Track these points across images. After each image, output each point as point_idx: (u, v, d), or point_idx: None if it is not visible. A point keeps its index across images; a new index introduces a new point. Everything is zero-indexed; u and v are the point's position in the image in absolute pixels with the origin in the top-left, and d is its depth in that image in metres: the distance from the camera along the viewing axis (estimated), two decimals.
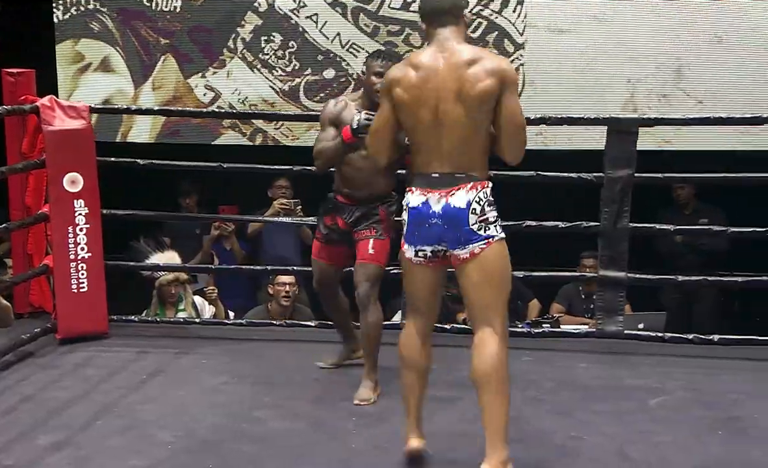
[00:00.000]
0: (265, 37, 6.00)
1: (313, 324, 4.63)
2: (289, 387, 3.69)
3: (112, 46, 6.10)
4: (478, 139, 2.67)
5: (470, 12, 5.73)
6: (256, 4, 5.96)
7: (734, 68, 5.56)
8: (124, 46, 6.09)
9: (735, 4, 5.56)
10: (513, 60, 5.81)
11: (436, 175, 2.68)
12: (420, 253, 2.74)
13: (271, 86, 6.06)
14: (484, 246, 2.65)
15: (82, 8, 6.06)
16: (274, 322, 4.72)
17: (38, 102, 4.14)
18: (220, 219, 5.89)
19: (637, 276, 4.28)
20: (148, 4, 6.02)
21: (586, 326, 4.76)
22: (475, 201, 2.65)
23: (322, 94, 6.02)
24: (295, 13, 5.96)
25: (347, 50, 5.96)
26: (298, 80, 6.03)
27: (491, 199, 2.69)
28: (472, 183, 2.66)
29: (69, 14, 6.08)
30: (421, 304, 2.81)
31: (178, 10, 6.01)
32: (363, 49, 5.92)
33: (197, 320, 4.79)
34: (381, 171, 3.35)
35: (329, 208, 3.70)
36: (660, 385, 3.68)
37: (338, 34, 5.94)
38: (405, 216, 2.76)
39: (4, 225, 4.11)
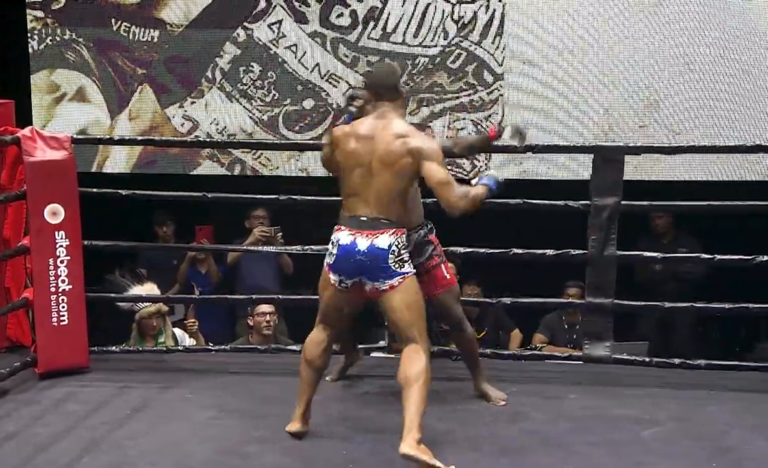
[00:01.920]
0: (244, 68, 5.98)
1: (297, 348, 4.55)
2: (279, 420, 3.62)
3: (88, 77, 6.04)
4: (399, 194, 3.23)
5: (450, 42, 5.82)
6: (234, 35, 5.94)
7: (709, 97, 5.66)
8: (100, 77, 6.03)
9: (707, 34, 5.67)
10: (492, 90, 5.86)
11: (364, 218, 3.21)
12: (341, 283, 3.26)
13: (249, 116, 6.03)
14: (401, 280, 3.20)
15: (58, 38, 5.99)
16: (259, 347, 4.63)
17: (19, 133, 4.06)
18: (201, 249, 5.83)
19: (624, 303, 4.29)
20: (124, 35, 5.97)
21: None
22: (395, 244, 3.19)
23: (301, 124, 6.01)
24: (274, 44, 5.95)
25: (326, 80, 5.96)
26: (277, 110, 6.01)
27: (405, 243, 3.26)
28: (393, 229, 3.22)
29: (44, 44, 6.01)
30: (332, 317, 3.37)
31: (155, 40, 5.97)
32: (342, 79, 5.94)
33: (180, 348, 4.69)
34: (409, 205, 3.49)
35: None
36: (650, 416, 3.67)
37: (317, 64, 5.94)
38: (332, 248, 3.24)
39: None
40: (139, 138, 5.71)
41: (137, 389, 4.00)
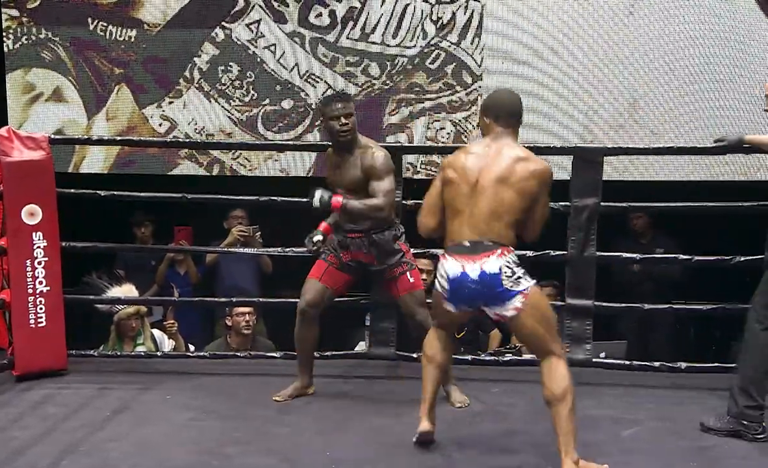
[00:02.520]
0: (222, 67, 5.96)
1: (277, 355, 4.56)
2: (259, 421, 3.62)
3: (65, 76, 5.99)
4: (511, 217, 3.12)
5: (429, 43, 5.85)
6: (213, 34, 5.92)
7: (688, 99, 5.72)
8: (77, 76, 5.98)
9: (687, 35, 5.73)
10: (471, 91, 5.88)
11: (467, 243, 3.11)
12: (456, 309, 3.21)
13: (228, 116, 6.01)
14: (524, 299, 3.07)
15: (33, 37, 5.94)
16: (238, 354, 4.63)
17: None
18: (180, 250, 5.80)
19: (604, 305, 4.32)
20: (101, 34, 5.93)
21: None
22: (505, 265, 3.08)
23: (280, 124, 6.00)
24: (252, 44, 5.93)
25: (305, 80, 5.96)
26: (255, 110, 6.00)
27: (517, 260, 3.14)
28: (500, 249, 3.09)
29: (20, 43, 5.95)
30: (447, 328, 3.37)
31: (132, 40, 5.93)
32: (321, 79, 5.93)
33: (158, 354, 4.68)
34: None
35: (346, 244, 3.83)
36: (631, 416, 3.70)
37: (296, 64, 5.93)
38: (441, 280, 3.17)
39: None
40: (118, 138, 5.67)
41: (116, 390, 3.99)
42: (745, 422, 3.39)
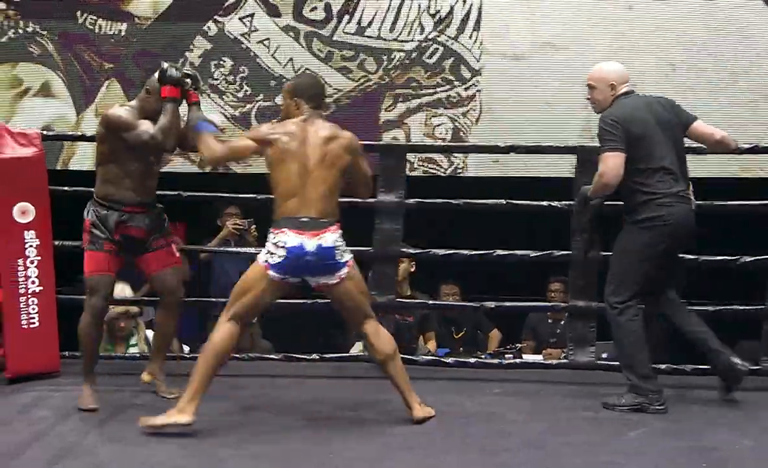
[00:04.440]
0: (215, 62, 5.95)
1: (277, 357, 4.56)
2: (255, 425, 3.62)
3: (53, 71, 5.97)
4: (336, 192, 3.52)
5: (426, 37, 5.84)
6: (205, 28, 5.91)
7: (687, 95, 5.72)
8: (66, 71, 5.96)
9: (688, 32, 5.74)
10: (469, 86, 5.88)
11: (306, 219, 3.42)
12: (285, 280, 3.47)
13: (221, 112, 6.00)
14: (347, 269, 3.49)
15: (21, 31, 5.91)
16: (236, 355, 4.61)
17: None
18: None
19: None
20: (91, 28, 5.91)
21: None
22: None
23: (274, 120, 5.96)
24: (246, 38, 5.92)
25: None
26: (249, 106, 5.99)
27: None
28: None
29: (6, 37, 5.92)
30: (257, 312, 3.69)
31: (123, 34, 5.92)
32: (316, 74, 5.91)
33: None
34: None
35: (124, 219, 3.79)
36: (637, 417, 3.71)
37: (291, 59, 5.92)
38: (275, 250, 3.41)
39: None
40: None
41: (110, 393, 3.97)
42: (641, 395, 3.71)
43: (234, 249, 5.40)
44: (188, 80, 3.73)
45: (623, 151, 3.67)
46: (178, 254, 3.98)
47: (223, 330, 3.49)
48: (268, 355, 4.69)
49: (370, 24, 5.84)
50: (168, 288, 3.90)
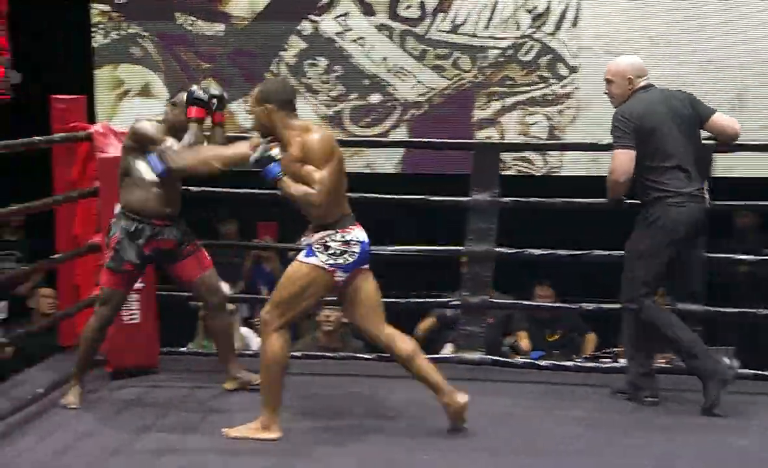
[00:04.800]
0: (310, 61, 6.00)
1: (369, 356, 4.56)
2: (350, 422, 3.63)
3: (153, 72, 6.13)
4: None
5: (522, 34, 5.77)
6: (300, 28, 5.97)
7: None
8: (166, 72, 6.11)
9: None
10: (566, 84, 5.79)
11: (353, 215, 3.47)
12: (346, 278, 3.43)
13: (314, 111, 6.06)
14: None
15: (123, 32, 6.09)
16: (327, 354, 4.65)
17: (91, 129, 4.13)
18: (262, 247, 5.88)
19: (720, 310, 4.19)
20: (189, 28, 6.04)
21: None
22: None
23: (367, 119, 6.02)
24: (340, 37, 5.96)
25: (394, 75, 5.95)
26: (342, 105, 6.03)
27: None
28: None
29: (109, 39, 6.10)
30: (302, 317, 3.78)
31: (220, 34, 6.03)
32: (410, 73, 5.92)
33: (249, 352, 4.73)
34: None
35: (155, 233, 3.83)
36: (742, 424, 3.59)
37: (385, 58, 5.93)
38: (348, 248, 3.37)
39: (58, 256, 4.09)
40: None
41: (206, 389, 4.04)
42: (636, 386, 3.83)
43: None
44: (214, 101, 3.80)
45: (633, 147, 3.62)
46: (208, 257, 4.01)
47: (277, 340, 3.40)
48: (360, 354, 4.70)
49: (464, 22, 5.81)
50: (212, 289, 3.96)
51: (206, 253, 3.99)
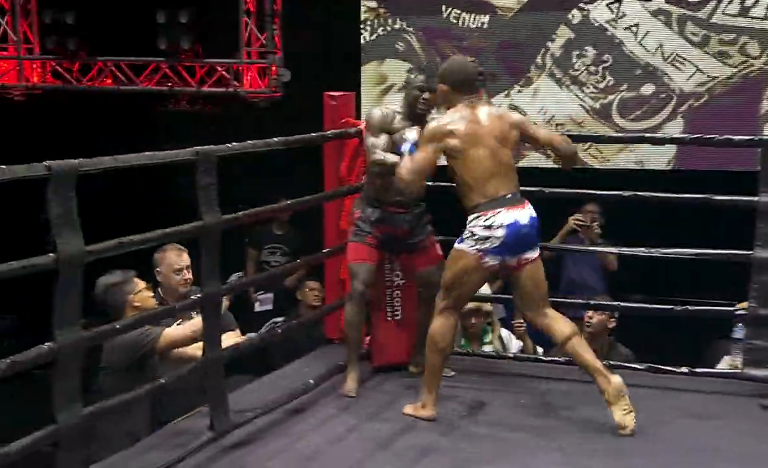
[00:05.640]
0: (577, 52, 5.90)
1: (640, 366, 4.40)
2: (609, 434, 3.52)
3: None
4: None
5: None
6: (569, 16, 5.88)
7: None
8: None
9: None
10: None
11: (509, 195, 3.53)
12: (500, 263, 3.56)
13: (580, 104, 5.95)
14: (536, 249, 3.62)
15: (389, 28, 6.29)
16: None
17: (361, 125, 4.29)
18: None
19: None
20: (454, 22, 6.13)
21: None
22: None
23: (638, 112, 5.82)
24: (611, 25, 5.80)
25: (670, 63, 5.70)
26: (611, 97, 5.87)
27: None
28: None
29: (375, 35, 6.34)
30: (464, 303, 3.83)
31: (485, 26, 6.07)
32: (688, 61, 5.65)
33: (510, 355, 4.74)
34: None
35: (385, 217, 4.01)
36: None
37: (660, 45, 5.70)
38: (490, 233, 3.48)
39: (328, 250, 4.31)
40: None
41: (468, 389, 4.09)
42: None
43: (575, 247, 5.31)
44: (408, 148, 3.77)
45: None
46: (440, 251, 4.08)
47: (441, 323, 3.63)
48: (629, 364, 4.54)
49: (756, 3, 5.43)
50: (432, 284, 3.99)
51: (439, 248, 4.11)
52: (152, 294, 4.06)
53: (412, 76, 4.02)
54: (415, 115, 3.94)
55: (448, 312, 3.64)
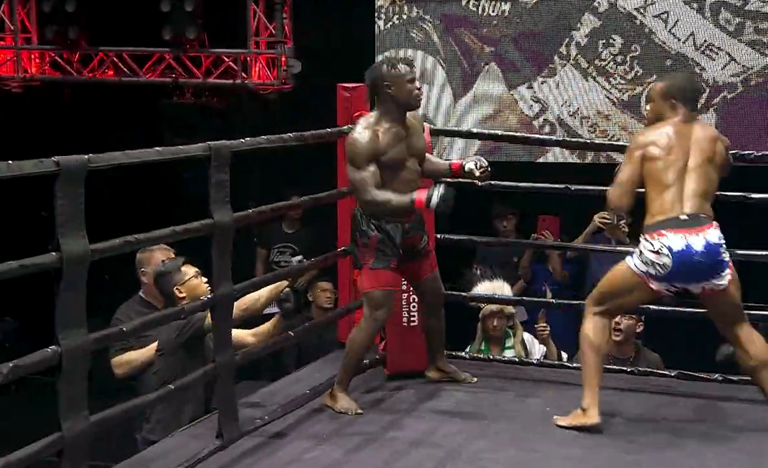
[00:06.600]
0: (604, 41, 5.86)
1: (671, 373, 4.37)
2: (649, 445, 3.51)
3: (433, 57, 6.25)
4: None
5: None
6: (595, 4, 5.85)
7: None
8: (446, 57, 6.21)
9: None
10: None
11: (685, 217, 3.44)
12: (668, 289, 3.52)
13: (606, 96, 5.92)
14: (730, 270, 3.49)
15: (405, 16, 6.25)
16: (624, 368, 4.50)
17: None
18: (540, 246, 5.84)
19: None
20: (473, 9, 6.10)
21: None
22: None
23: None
24: (640, 12, 5.76)
25: (702, 52, 5.67)
26: (639, 89, 5.83)
27: None
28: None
29: (390, 23, 6.30)
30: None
31: (506, 14, 6.03)
32: (721, 50, 5.61)
33: (534, 361, 4.72)
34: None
35: (407, 229, 3.90)
36: None
37: (692, 33, 5.67)
38: (656, 258, 3.42)
39: (342, 250, 4.29)
40: (500, 133, 5.58)
41: (488, 394, 4.10)
42: None
43: (602, 247, 5.27)
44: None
45: None
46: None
47: (594, 323, 3.61)
48: (658, 370, 4.52)
49: None
50: (436, 291, 4.07)
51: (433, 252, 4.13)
52: (204, 279, 3.98)
53: (397, 71, 3.78)
54: (409, 109, 3.87)
55: (601, 316, 3.64)
